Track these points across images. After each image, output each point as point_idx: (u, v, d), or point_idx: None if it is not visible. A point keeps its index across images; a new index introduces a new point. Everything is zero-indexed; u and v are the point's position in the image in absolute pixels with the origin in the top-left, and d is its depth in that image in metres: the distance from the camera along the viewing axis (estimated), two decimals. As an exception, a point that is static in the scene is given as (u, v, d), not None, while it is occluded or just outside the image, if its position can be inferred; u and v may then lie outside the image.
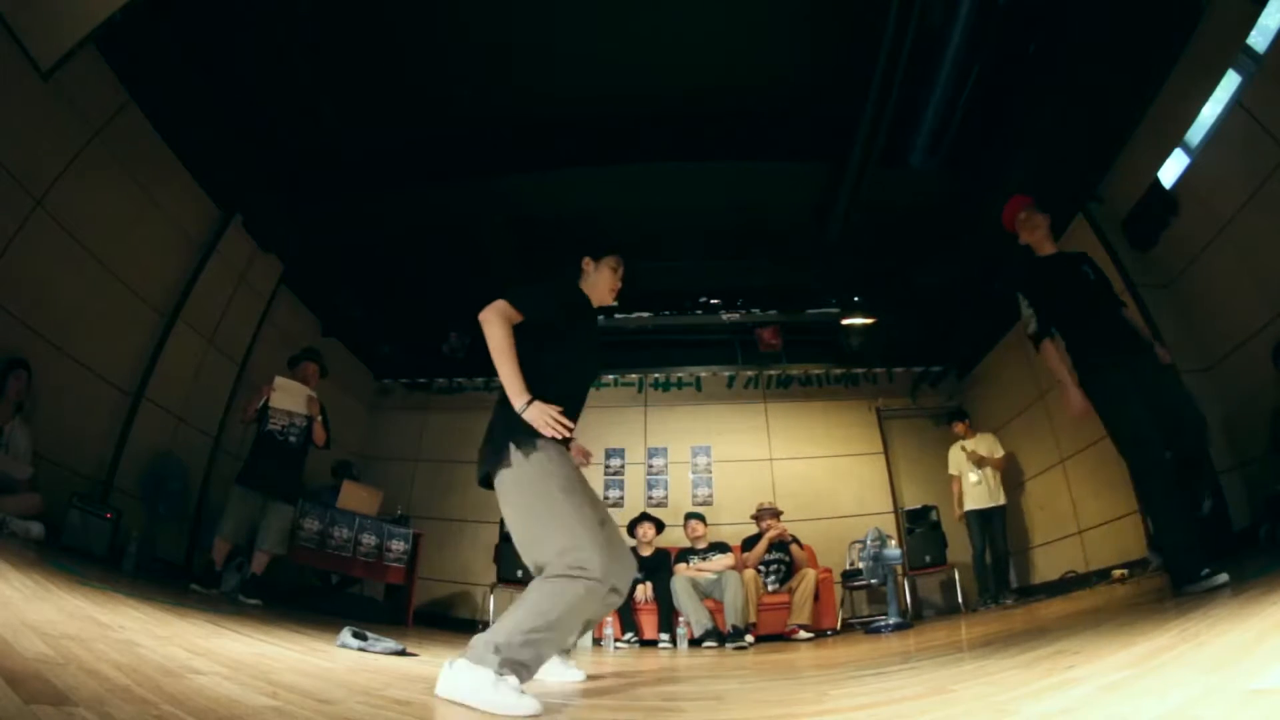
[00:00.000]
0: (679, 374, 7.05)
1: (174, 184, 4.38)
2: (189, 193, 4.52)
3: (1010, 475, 5.64)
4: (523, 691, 1.51)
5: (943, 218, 5.03)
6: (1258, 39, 3.26)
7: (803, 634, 4.62)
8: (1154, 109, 3.92)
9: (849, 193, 4.57)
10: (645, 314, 5.90)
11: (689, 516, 5.36)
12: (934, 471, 6.28)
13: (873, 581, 5.03)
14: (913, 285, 5.64)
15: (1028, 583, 5.50)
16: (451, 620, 5.84)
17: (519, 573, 5.28)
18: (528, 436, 1.79)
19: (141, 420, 4.20)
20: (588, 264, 2.26)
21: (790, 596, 4.84)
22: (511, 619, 1.59)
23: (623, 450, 6.69)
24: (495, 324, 1.89)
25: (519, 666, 1.54)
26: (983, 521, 5.33)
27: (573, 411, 1.93)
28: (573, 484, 1.80)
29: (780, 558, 5.17)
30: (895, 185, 4.57)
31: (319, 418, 4.29)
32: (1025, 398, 5.66)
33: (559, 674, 2.17)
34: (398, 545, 4.80)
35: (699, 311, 5.89)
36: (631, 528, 5.41)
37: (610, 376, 7.00)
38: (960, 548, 5.55)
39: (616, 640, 4.65)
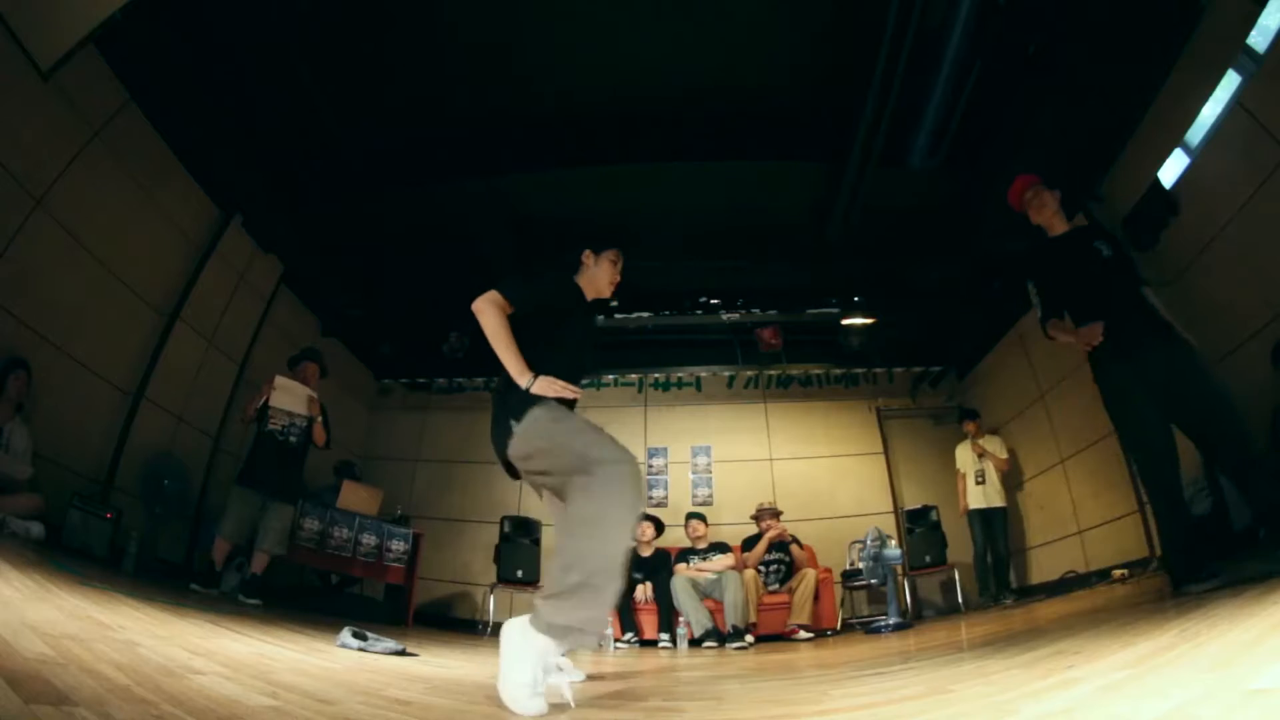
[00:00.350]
0: (679, 374, 7.05)
1: (174, 184, 4.38)
2: (189, 193, 4.52)
3: (1010, 475, 5.64)
4: (539, 688, 1.51)
5: (943, 218, 5.04)
6: (1258, 39, 3.26)
7: (803, 634, 4.62)
8: (1154, 109, 3.91)
9: (849, 193, 4.57)
10: (645, 314, 5.90)
11: (690, 516, 5.36)
12: (934, 471, 6.29)
13: (873, 581, 5.03)
14: (913, 285, 5.64)
15: (1028, 583, 5.50)
16: (451, 620, 5.84)
17: (518, 573, 5.28)
18: (525, 406, 1.81)
19: (141, 420, 4.20)
20: (588, 256, 2.26)
21: (790, 596, 4.84)
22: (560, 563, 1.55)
23: (622, 450, 6.67)
24: (488, 312, 1.91)
25: (573, 621, 1.50)
26: (984, 521, 5.34)
27: (571, 401, 1.95)
28: (584, 423, 1.82)
29: (780, 558, 5.18)
30: (895, 185, 4.57)
31: (319, 418, 4.29)
32: (1025, 398, 5.66)
33: (557, 674, 2.16)
34: (398, 545, 4.80)
35: (699, 311, 5.89)
36: (631, 528, 5.41)
37: (610, 376, 7.00)
38: (960, 548, 5.55)
39: (616, 640, 4.66)
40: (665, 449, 6.77)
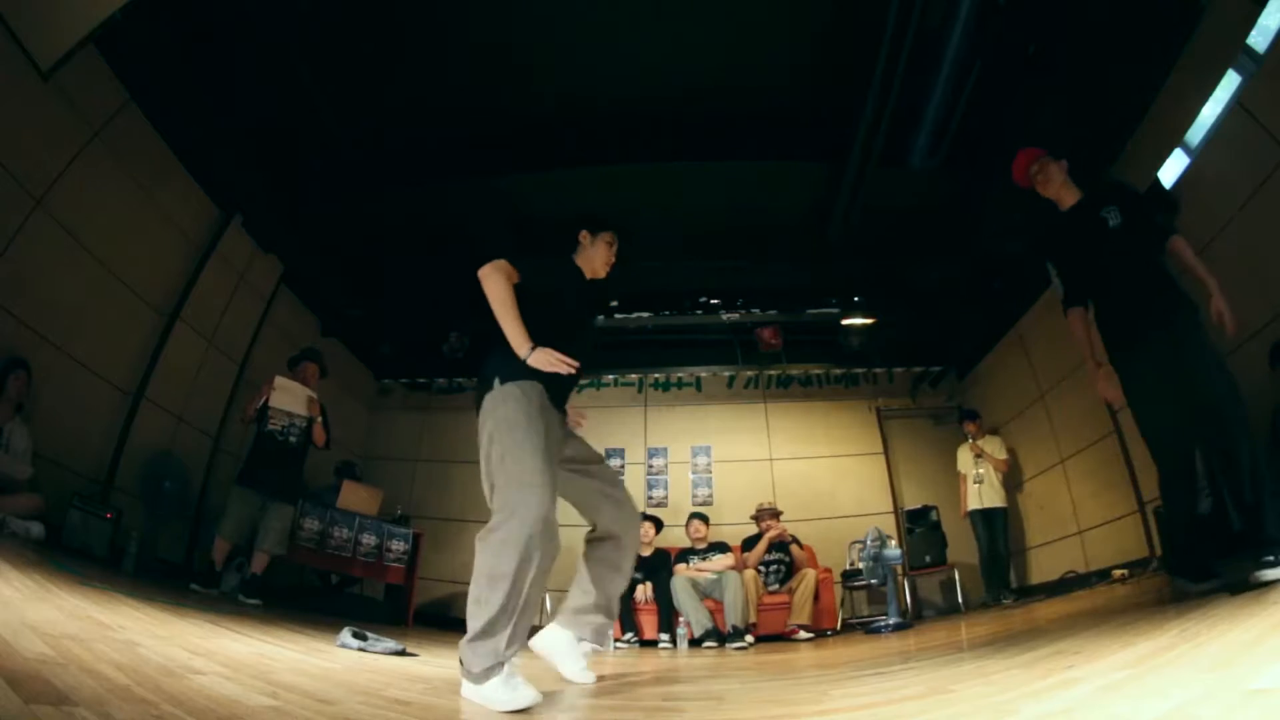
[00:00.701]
0: (679, 374, 7.05)
1: (174, 184, 4.38)
2: (189, 193, 4.52)
3: (1010, 475, 5.64)
4: (517, 682, 1.56)
5: (943, 218, 5.04)
6: (1258, 39, 3.26)
7: (803, 634, 4.62)
8: (1154, 109, 3.91)
9: (849, 193, 4.57)
10: (645, 314, 5.90)
11: (692, 516, 5.36)
12: (934, 471, 6.28)
13: (873, 581, 5.03)
14: (913, 285, 5.64)
15: (1028, 583, 5.50)
16: (451, 620, 5.83)
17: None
18: (513, 377, 1.87)
19: (141, 420, 4.19)
20: (584, 236, 2.34)
21: (790, 596, 4.84)
22: (470, 610, 1.67)
23: (623, 450, 6.69)
24: (494, 278, 1.94)
25: (495, 651, 1.62)
26: (986, 521, 5.34)
27: (570, 380, 2.00)
28: (541, 441, 1.83)
29: (780, 558, 5.17)
30: (895, 185, 4.57)
31: (319, 418, 4.29)
32: (1025, 398, 5.66)
33: (570, 665, 2.15)
34: (398, 545, 4.79)
35: (699, 311, 5.88)
36: (631, 527, 5.41)
37: (610, 376, 7.00)
38: (960, 548, 5.55)
39: (616, 640, 4.65)
40: (665, 449, 6.77)
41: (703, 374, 7.05)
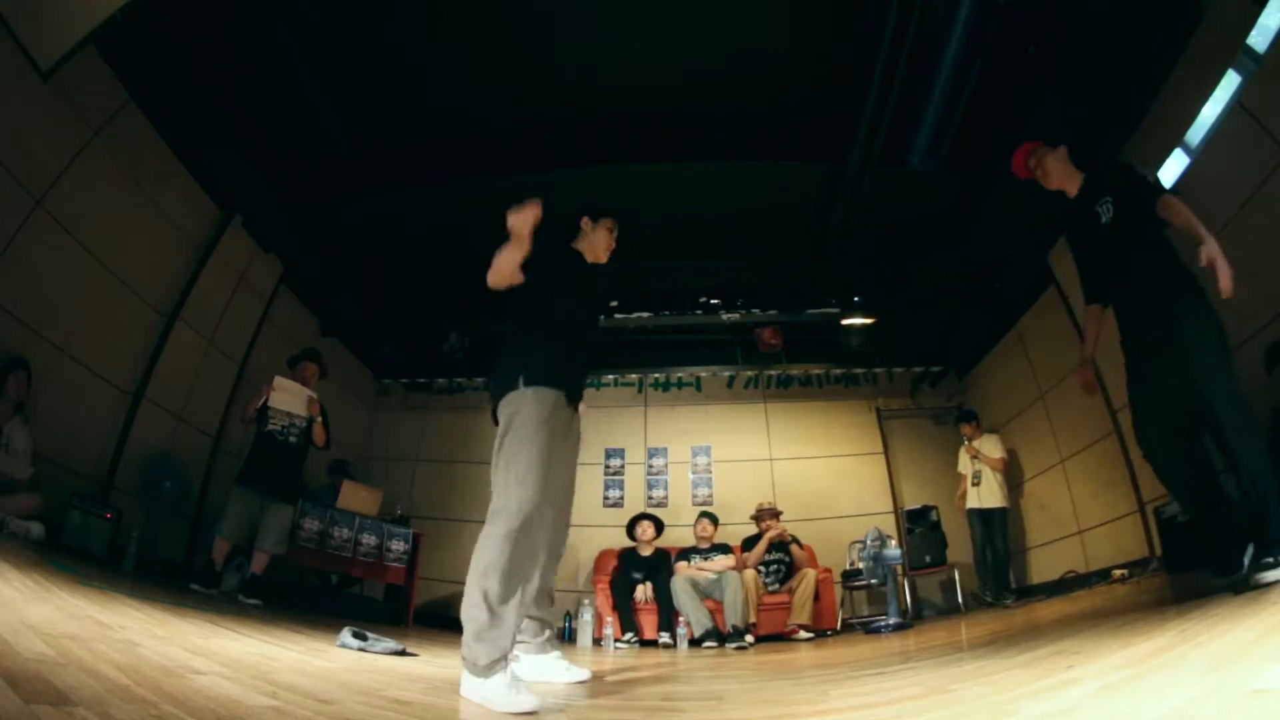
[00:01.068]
0: (679, 374, 7.05)
1: (174, 184, 4.38)
2: (189, 193, 4.52)
3: (1010, 475, 5.64)
4: (521, 686, 1.55)
5: (943, 218, 5.03)
6: (1258, 39, 3.26)
7: (803, 634, 4.62)
8: (1154, 109, 3.91)
9: (849, 193, 4.57)
10: (645, 314, 5.90)
11: (702, 515, 5.36)
12: (934, 471, 6.28)
13: (873, 581, 5.03)
14: (913, 285, 5.64)
15: (1028, 583, 5.50)
16: (451, 620, 5.82)
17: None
18: (537, 380, 1.93)
19: (141, 420, 4.20)
20: (585, 223, 2.43)
21: (790, 596, 4.84)
22: (464, 609, 1.71)
23: (623, 450, 6.68)
24: (520, 215, 2.03)
25: (499, 645, 1.65)
26: (984, 521, 5.34)
27: (581, 361, 2.11)
28: (547, 444, 1.89)
29: (780, 558, 5.17)
30: (895, 185, 4.57)
31: (319, 418, 4.29)
32: (1025, 398, 5.66)
33: (563, 673, 2.17)
34: (398, 545, 4.79)
35: (699, 311, 5.88)
36: (630, 527, 5.41)
37: (610, 376, 6.99)
38: (960, 548, 5.55)
39: (616, 640, 4.65)
40: (665, 449, 6.77)
41: (703, 374, 7.05)
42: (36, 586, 1.92)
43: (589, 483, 6.42)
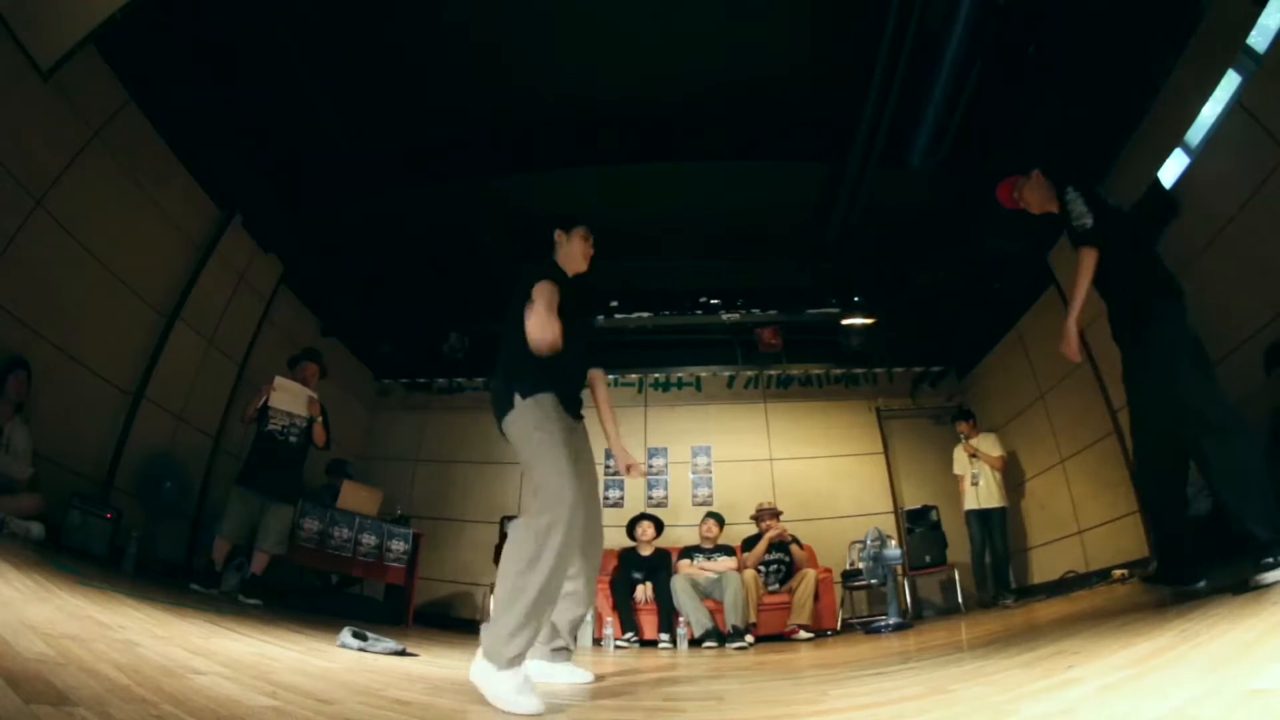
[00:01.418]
0: (679, 374, 7.05)
1: (174, 184, 4.38)
2: (189, 193, 4.52)
3: (1010, 475, 5.64)
4: (529, 688, 1.55)
5: (943, 218, 5.03)
6: (1258, 39, 3.26)
7: (803, 634, 4.62)
8: (1154, 109, 3.91)
9: (849, 193, 4.57)
10: (645, 314, 5.90)
11: (708, 515, 5.36)
12: (934, 471, 6.28)
13: (873, 581, 5.03)
14: (913, 285, 5.64)
15: (1028, 583, 5.50)
16: (451, 620, 5.83)
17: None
18: (529, 391, 1.97)
19: (141, 420, 4.20)
20: (559, 236, 2.44)
21: (790, 596, 4.84)
22: (503, 596, 1.73)
23: (623, 450, 6.67)
24: (545, 295, 1.97)
25: (526, 639, 1.67)
26: (982, 521, 5.33)
27: (572, 371, 2.18)
28: (561, 439, 1.93)
29: (780, 558, 5.17)
30: (895, 185, 4.57)
31: (319, 419, 4.29)
32: (1025, 398, 5.66)
33: (566, 675, 2.17)
34: (398, 545, 4.79)
35: (699, 311, 5.88)
36: (631, 527, 5.41)
37: (610, 376, 6.98)
38: (960, 548, 5.55)
39: (616, 640, 4.65)
40: (665, 449, 6.77)
41: (703, 374, 7.05)
42: (36, 586, 1.92)
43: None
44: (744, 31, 3.92)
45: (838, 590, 5.35)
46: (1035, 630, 2.61)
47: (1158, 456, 2.42)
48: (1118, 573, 4.15)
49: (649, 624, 4.89)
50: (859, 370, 6.88)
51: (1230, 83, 3.48)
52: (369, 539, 4.66)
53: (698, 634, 4.55)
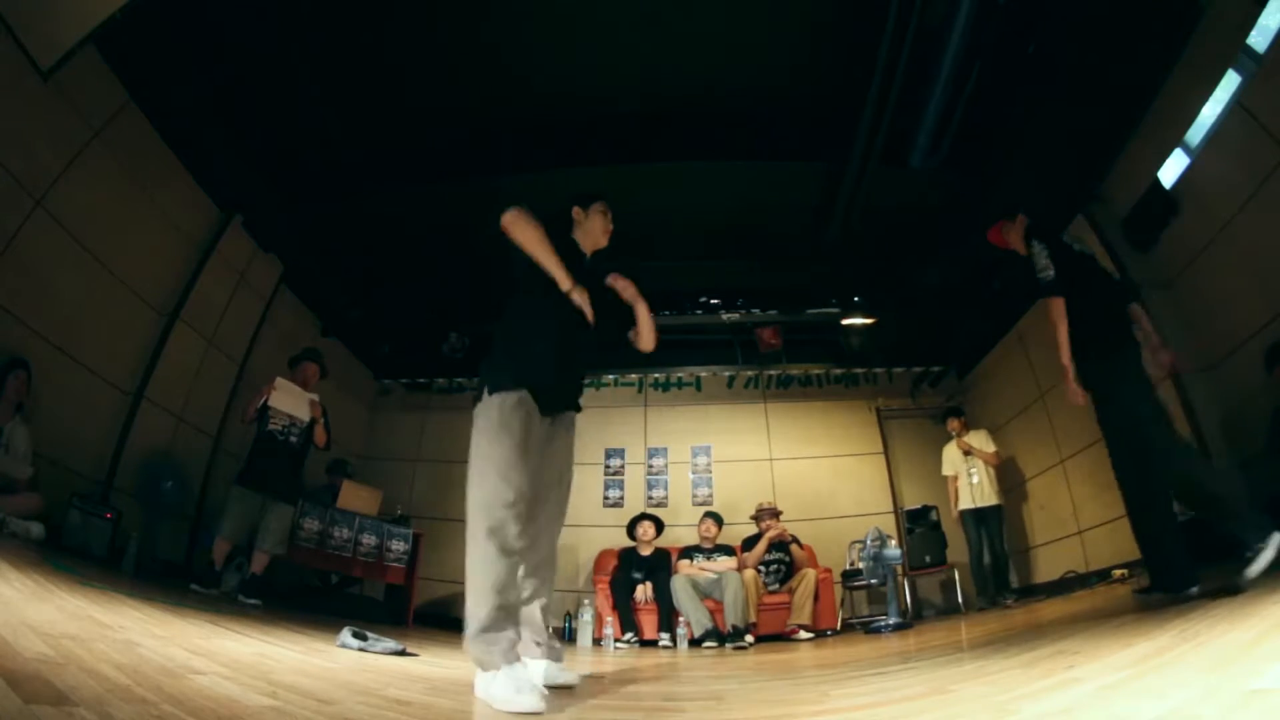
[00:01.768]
0: (679, 374, 7.05)
1: (174, 184, 4.38)
2: (189, 193, 4.52)
3: (1010, 475, 5.63)
4: (525, 686, 1.56)
5: (943, 218, 5.03)
6: (1258, 39, 3.26)
7: (803, 634, 4.62)
8: (1154, 109, 3.91)
9: (849, 193, 4.57)
10: (645, 314, 5.89)
11: (707, 514, 5.36)
12: (934, 471, 6.26)
13: (873, 581, 5.03)
14: (913, 285, 5.64)
15: (1028, 583, 5.50)
16: (451, 620, 5.83)
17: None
18: (496, 388, 1.88)
19: (141, 420, 4.19)
20: (577, 212, 2.37)
21: (790, 596, 4.84)
22: (467, 603, 1.70)
23: (623, 450, 6.68)
24: (521, 220, 1.96)
25: (497, 639, 1.64)
26: (978, 521, 5.31)
27: (565, 360, 2.06)
28: (513, 441, 1.82)
29: (780, 558, 5.17)
30: (895, 185, 4.57)
31: (320, 419, 4.29)
32: (1025, 398, 5.66)
33: (554, 677, 2.16)
34: (398, 545, 4.80)
35: (699, 311, 5.88)
36: (631, 527, 5.41)
37: (610, 376, 7.00)
38: (960, 548, 5.55)
39: (616, 640, 4.65)
40: (665, 449, 6.77)
41: (703, 374, 7.05)
42: (36, 586, 1.92)
43: (589, 483, 6.43)
44: (744, 31, 3.93)
45: (838, 590, 5.34)
46: (1035, 630, 2.62)
47: (1140, 485, 2.61)
48: (1118, 573, 4.15)
49: (649, 624, 4.89)
50: (859, 370, 6.88)
51: (1230, 83, 3.48)
52: (369, 539, 4.66)
53: (698, 634, 4.55)
